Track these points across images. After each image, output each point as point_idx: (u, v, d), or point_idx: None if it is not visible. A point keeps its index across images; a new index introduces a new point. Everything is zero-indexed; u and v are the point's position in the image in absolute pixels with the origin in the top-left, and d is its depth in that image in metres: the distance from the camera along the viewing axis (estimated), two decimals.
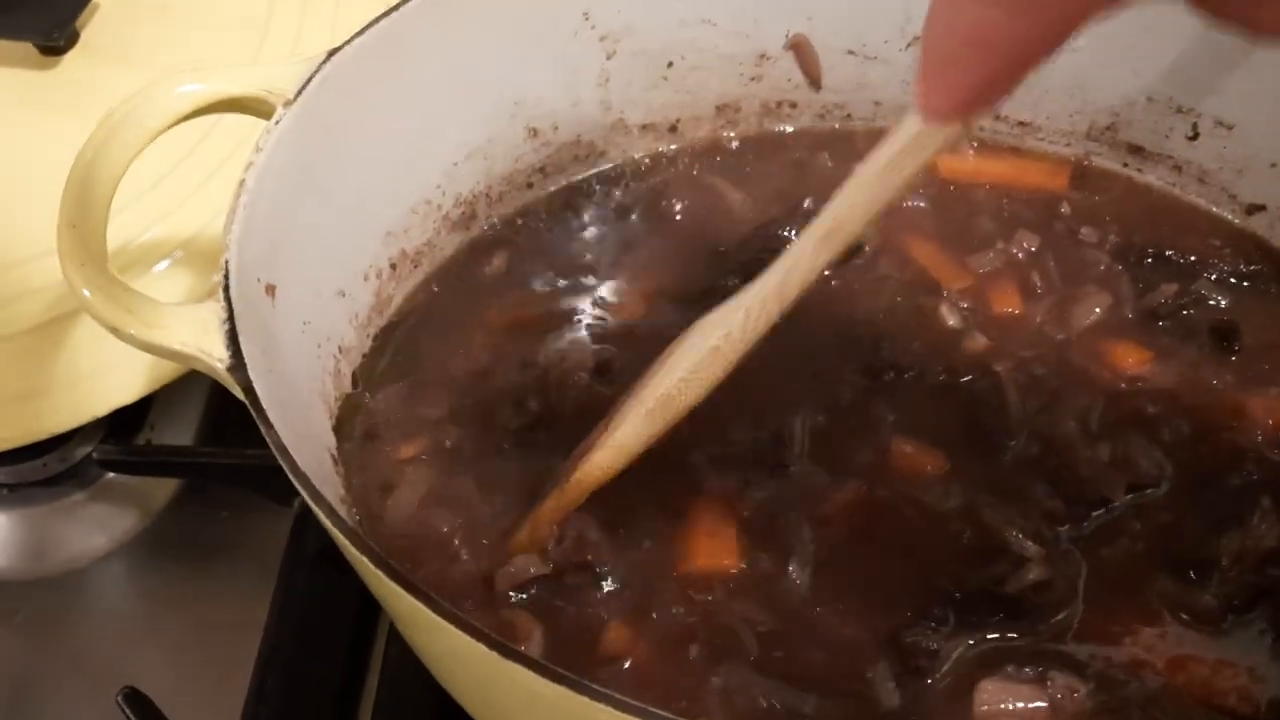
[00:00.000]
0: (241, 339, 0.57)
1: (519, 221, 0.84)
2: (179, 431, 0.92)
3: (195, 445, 0.91)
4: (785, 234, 0.76)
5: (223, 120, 0.75)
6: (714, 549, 0.65)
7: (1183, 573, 0.64)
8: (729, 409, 0.68)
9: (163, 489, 0.90)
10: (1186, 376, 0.74)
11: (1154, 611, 0.63)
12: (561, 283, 0.81)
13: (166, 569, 0.87)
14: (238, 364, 0.56)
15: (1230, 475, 0.68)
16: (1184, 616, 0.63)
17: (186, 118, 0.64)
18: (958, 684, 0.60)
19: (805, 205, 0.77)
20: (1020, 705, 0.58)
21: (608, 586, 0.64)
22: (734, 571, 0.64)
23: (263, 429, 0.54)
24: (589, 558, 0.64)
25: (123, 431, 0.90)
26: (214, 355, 0.56)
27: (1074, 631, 0.62)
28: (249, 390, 0.55)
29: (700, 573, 0.65)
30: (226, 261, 0.59)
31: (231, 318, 0.57)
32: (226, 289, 0.58)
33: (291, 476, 0.52)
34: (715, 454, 0.69)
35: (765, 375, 0.68)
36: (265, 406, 0.55)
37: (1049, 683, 0.59)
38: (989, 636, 0.62)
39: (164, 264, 0.83)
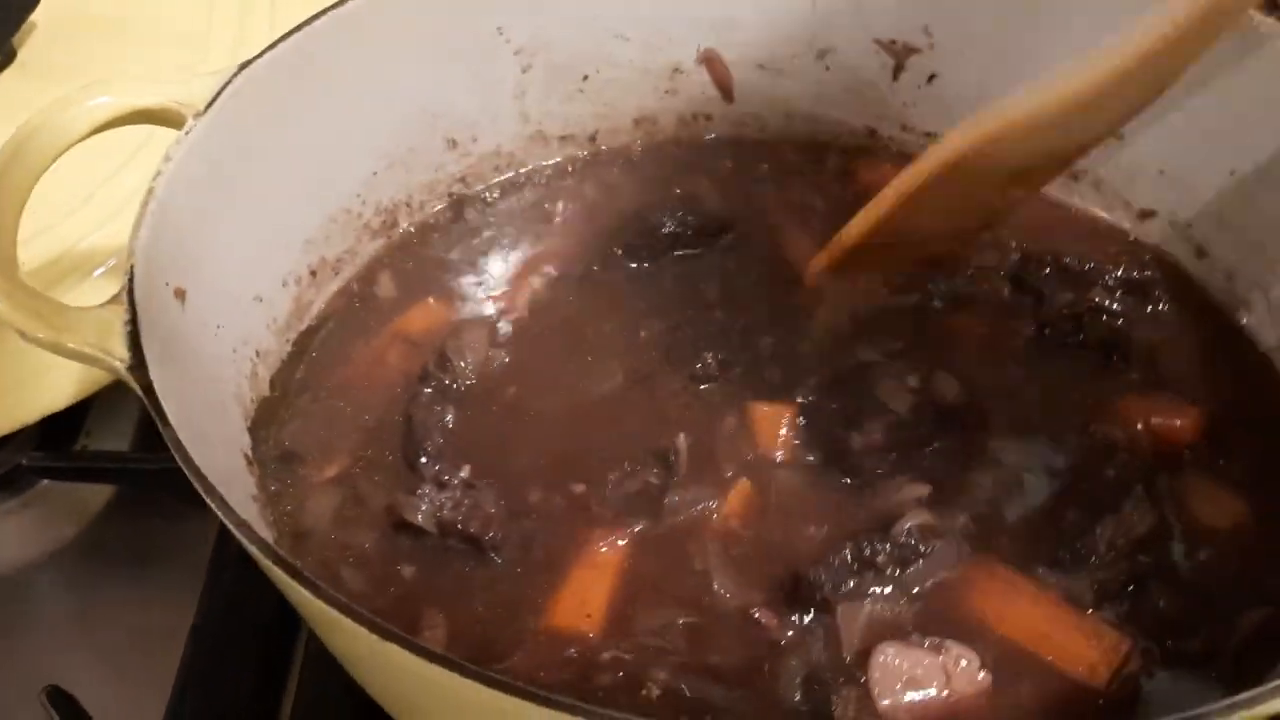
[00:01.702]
0: (144, 340, 0.59)
1: (437, 229, 0.87)
2: (115, 439, 0.94)
3: (130, 452, 0.92)
4: (655, 219, 0.84)
5: (160, 129, 0.77)
6: (580, 607, 0.66)
7: (1061, 556, 0.67)
8: (600, 452, 0.72)
9: (97, 496, 0.92)
10: (1074, 377, 0.77)
11: (1033, 590, 0.66)
12: (471, 286, 0.84)
13: (101, 574, 0.88)
14: (138, 363, 0.58)
15: (1105, 467, 0.70)
16: (1059, 595, 0.65)
17: (98, 130, 0.66)
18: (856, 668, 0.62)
19: (675, 192, 0.84)
20: (915, 667, 0.61)
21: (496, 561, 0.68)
22: (591, 634, 0.65)
23: (160, 426, 0.56)
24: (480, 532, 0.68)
25: (59, 439, 0.92)
26: (115, 355, 0.58)
27: (959, 601, 0.65)
28: (148, 389, 0.57)
29: (559, 629, 0.66)
30: (132, 266, 0.61)
31: (134, 319, 0.59)
32: (131, 292, 0.60)
33: (185, 469, 0.54)
34: (599, 495, 0.71)
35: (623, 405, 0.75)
36: (165, 406, 0.57)
37: (943, 651, 0.62)
38: (880, 591, 0.65)
39: (101, 270, 0.85)
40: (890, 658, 0.61)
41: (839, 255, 0.71)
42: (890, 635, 0.63)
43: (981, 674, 0.61)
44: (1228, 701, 0.47)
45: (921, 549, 0.65)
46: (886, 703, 0.60)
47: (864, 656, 0.62)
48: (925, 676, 0.61)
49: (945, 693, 0.61)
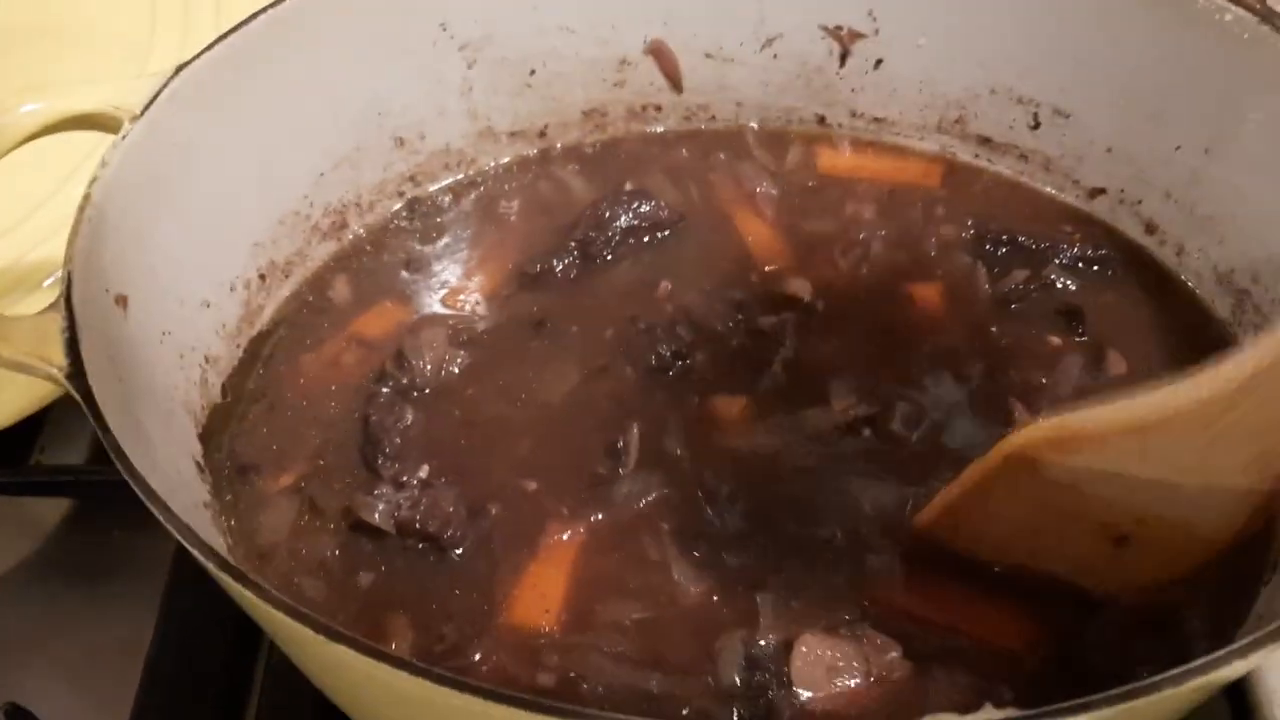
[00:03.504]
0: (84, 348, 0.58)
1: (388, 229, 0.86)
2: (70, 452, 0.93)
3: (86, 465, 0.91)
4: (608, 214, 0.83)
5: (107, 139, 0.76)
6: (539, 603, 0.66)
7: None
8: (557, 448, 0.72)
9: (53, 511, 0.91)
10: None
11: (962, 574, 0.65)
12: (425, 286, 0.83)
13: (57, 590, 0.87)
14: (76, 371, 0.57)
15: None
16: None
17: (32, 137, 0.66)
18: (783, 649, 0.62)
19: (625, 187, 0.84)
20: (836, 657, 0.60)
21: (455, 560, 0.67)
22: (549, 628, 0.65)
23: (100, 433, 0.55)
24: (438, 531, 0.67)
25: (12, 454, 0.91)
26: (53, 363, 0.57)
27: (890, 585, 0.64)
28: (87, 396, 0.56)
29: (518, 626, 0.65)
30: (69, 273, 0.61)
31: (72, 326, 0.58)
32: (68, 299, 0.59)
33: (126, 475, 0.54)
34: (555, 490, 0.70)
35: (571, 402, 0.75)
36: (105, 413, 0.56)
37: (864, 639, 0.61)
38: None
39: (49, 281, 0.85)
40: (811, 647, 0.61)
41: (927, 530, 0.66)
42: (811, 624, 0.62)
43: (902, 659, 0.61)
44: (1192, 665, 0.46)
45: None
46: (807, 694, 0.60)
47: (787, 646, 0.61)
48: (846, 665, 0.60)
49: (867, 680, 0.60)
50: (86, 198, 0.64)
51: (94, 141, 0.81)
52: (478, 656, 0.63)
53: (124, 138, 0.67)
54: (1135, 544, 0.60)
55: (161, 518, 0.52)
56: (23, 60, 0.95)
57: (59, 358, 0.58)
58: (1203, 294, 0.80)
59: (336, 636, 0.48)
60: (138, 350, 0.66)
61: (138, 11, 0.99)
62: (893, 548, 0.66)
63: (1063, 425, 0.58)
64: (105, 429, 0.55)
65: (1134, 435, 0.56)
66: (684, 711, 0.60)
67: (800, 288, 0.79)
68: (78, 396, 0.57)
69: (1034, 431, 0.59)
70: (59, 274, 0.83)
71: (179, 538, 0.52)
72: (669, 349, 0.76)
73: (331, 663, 0.53)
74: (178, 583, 0.80)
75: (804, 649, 0.60)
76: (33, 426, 0.90)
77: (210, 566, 0.51)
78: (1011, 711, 0.46)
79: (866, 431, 0.71)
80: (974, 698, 0.55)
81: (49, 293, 0.85)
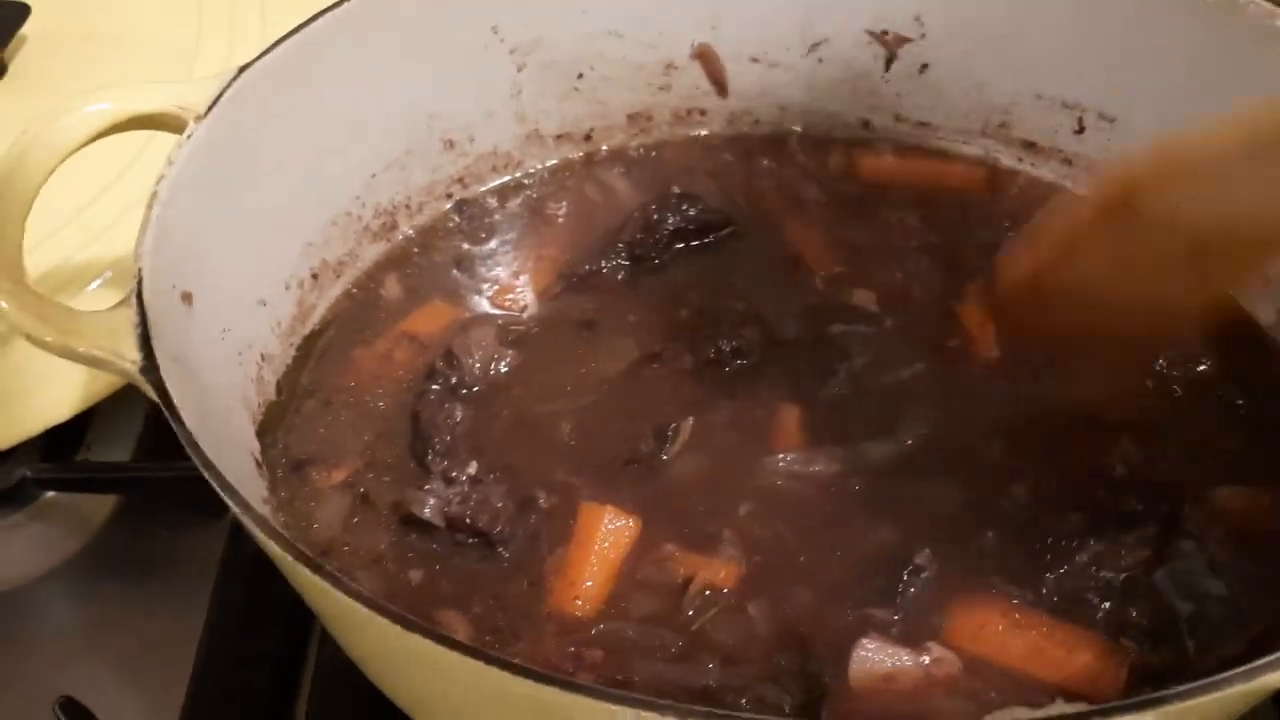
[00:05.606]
0: (155, 343, 0.59)
1: (437, 230, 0.87)
2: (117, 450, 0.93)
3: (133, 461, 0.92)
4: (656, 216, 0.84)
5: (154, 140, 0.77)
6: (588, 597, 0.67)
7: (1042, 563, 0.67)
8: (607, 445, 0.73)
9: (101, 507, 0.92)
10: None
11: (1013, 600, 0.65)
12: (474, 286, 0.84)
13: (106, 586, 0.88)
14: (150, 365, 0.58)
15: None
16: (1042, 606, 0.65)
17: (100, 135, 0.66)
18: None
19: (673, 190, 0.85)
20: (895, 664, 0.61)
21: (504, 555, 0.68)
22: (595, 620, 0.65)
23: (174, 424, 0.56)
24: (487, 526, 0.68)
25: (61, 451, 0.91)
26: (127, 358, 0.58)
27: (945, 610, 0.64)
28: (160, 389, 0.57)
29: (566, 618, 0.66)
30: (140, 269, 0.61)
31: (144, 321, 0.59)
32: (140, 295, 0.60)
33: (203, 469, 0.54)
34: (605, 487, 0.71)
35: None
36: (178, 405, 0.57)
37: (925, 651, 0.61)
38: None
39: (96, 283, 0.85)
40: (871, 653, 0.61)
41: (1009, 296, 0.65)
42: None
43: (961, 667, 0.61)
44: (1249, 666, 0.47)
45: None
46: (861, 690, 0.60)
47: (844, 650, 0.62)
48: (903, 671, 0.61)
49: (924, 683, 0.60)
50: (154, 196, 0.65)
51: (139, 146, 0.82)
52: (529, 650, 0.64)
53: (189, 137, 0.67)
54: (1213, 253, 0.61)
55: (237, 511, 0.53)
56: (72, 64, 0.96)
57: (132, 352, 0.58)
58: (1246, 300, 0.80)
59: (416, 628, 0.49)
60: (200, 347, 0.67)
61: (185, 16, 1.00)
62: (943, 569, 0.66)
63: (1163, 156, 0.59)
64: (181, 423, 0.55)
65: (1228, 158, 0.58)
66: (742, 701, 0.61)
67: (864, 299, 0.80)
68: (152, 392, 0.57)
69: (1140, 163, 0.60)
70: (108, 275, 0.85)
71: (255, 531, 0.53)
72: (717, 352, 0.77)
73: (403, 656, 0.53)
74: (228, 577, 0.81)
75: (863, 653, 0.60)
76: (81, 423, 0.91)
77: (288, 559, 0.51)
78: (1081, 706, 0.47)
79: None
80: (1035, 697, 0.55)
81: (97, 294, 0.85)
